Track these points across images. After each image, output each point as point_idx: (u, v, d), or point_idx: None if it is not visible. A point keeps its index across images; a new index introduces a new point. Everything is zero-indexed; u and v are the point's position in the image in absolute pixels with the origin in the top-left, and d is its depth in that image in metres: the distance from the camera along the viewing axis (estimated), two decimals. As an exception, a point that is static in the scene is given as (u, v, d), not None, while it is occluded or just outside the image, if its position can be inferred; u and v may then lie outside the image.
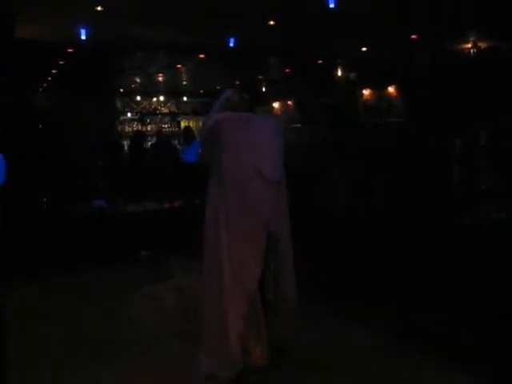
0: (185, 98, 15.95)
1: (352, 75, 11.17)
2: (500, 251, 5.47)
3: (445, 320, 4.96)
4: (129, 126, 15.56)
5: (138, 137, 12.94)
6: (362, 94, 10.93)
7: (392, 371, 4.08)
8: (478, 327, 4.72)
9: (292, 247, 4.29)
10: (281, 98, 13.22)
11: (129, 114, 15.57)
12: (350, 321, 5.07)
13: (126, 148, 13.47)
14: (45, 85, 11.53)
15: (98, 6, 6.71)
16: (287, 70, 11.54)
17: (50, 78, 10.97)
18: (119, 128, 14.93)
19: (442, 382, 3.92)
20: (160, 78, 12.31)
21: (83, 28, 7.47)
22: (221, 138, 4.02)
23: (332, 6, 6.54)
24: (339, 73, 11.08)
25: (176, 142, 15.31)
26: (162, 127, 15.68)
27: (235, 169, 4.01)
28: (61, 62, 9.54)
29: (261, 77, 12.36)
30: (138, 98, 15.44)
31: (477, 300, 5.11)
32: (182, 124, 16.10)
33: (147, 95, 15.44)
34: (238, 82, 11.40)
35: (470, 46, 8.60)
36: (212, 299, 4.16)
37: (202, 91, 15.05)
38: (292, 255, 4.28)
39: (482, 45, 8.57)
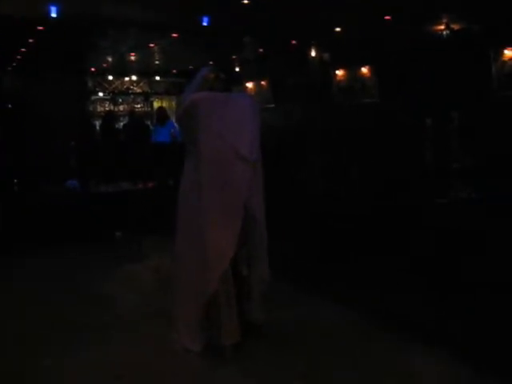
0: (157, 78, 15.78)
1: (326, 56, 11.16)
2: (470, 230, 5.57)
3: (420, 301, 5.03)
4: (100, 106, 15.36)
5: (110, 117, 12.81)
6: (336, 75, 10.95)
7: (366, 348, 4.16)
8: (455, 309, 4.81)
9: (266, 226, 4.33)
10: (254, 78, 13.17)
11: (100, 94, 15.35)
12: (325, 301, 5.14)
13: (97, 128, 13.35)
14: (14, 64, 11.30)
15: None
16: (261, 50, 11.48)
17: (19, 57, 10.74)
18: (91, 108, 14.74)
19: (415, 357, 4.00)
20: (132, 58, 12.13)
21: (53, 5, 7.31)
22: (197, 118, 4.02)
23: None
24: (313, 53, 11.06)
25: (149, 122, 15.18)
26: (135, 107, 15.52)
27: (212, 148, 4.02)
28: (30, 40, 9.35)
29: (234, 56, 12.28)
30: (110, 77, 15.21)
31: (454, 281, 5.20)
32: (155, 104, 15.96)
33: (119, 75, 15.22)
34: (211, 62, 11.31)
35: (442, 27, 8.65)
36: (183, 277, 4.19)
37: (174, 71, 14.91)
38: (266, 234, 4.32)
39: (455, 26, 8.63)
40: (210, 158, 4.04)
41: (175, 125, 11.05)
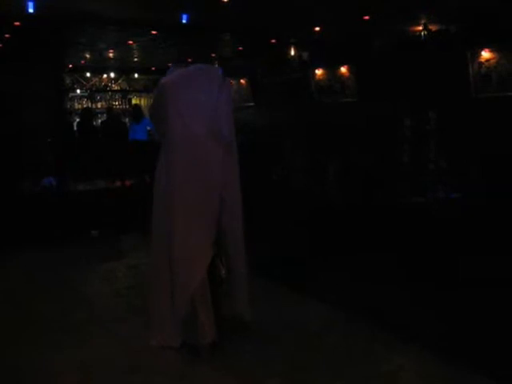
0: (136, 75, 15.71)
1: (305, 55, 11.20)
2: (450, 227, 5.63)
3: (410, 300, 5.04)
4: (78, 103, 15.26)
5: (87, 114, 12.68)
6: (315, 74, 10.99)
7: (354, 349, 4.16)
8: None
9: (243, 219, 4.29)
10: (233, 77, 13.16)
11: (78, 91, 15.24)
12: (314, 300, 5.13)
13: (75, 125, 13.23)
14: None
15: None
16: (240, 48, 11.47)
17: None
18: (68, 105, 14.61)
19: (403, 359, 4.01)
20: (111, 54, 12.05)
21: (31, 1, 7.23)
22: (166, 100, 4.01)
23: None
24: (292, 52, 11.09)
25: (127, 119, 15.11)
26: (113, 104, 15.43)
27: (181, 130, 3.99)
28: (6, 36, 9.24)
29: (213, 55, 12.25)
30: (88, 74, 15.11)
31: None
32: (133, 101, 15.88)
33: (97, 71, 15.11)
34: (190, 60, 11.28)
35: (420, 28, 8.72)
36: (160, 273, 4.16)
37: (153, 68, 14.84)
38: (242, 227, 4.28)
39: (433, 27, 8.71)
40: (178, 140, 3.99)
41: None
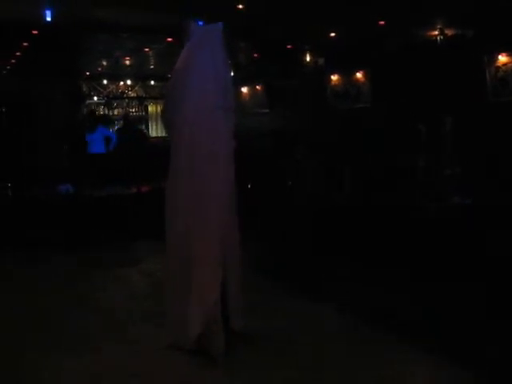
0: (152, 82, 15.80)
1: (320, 60, 11.18)
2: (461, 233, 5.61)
3: (419, 302, 5.02)
4: (95, 110, 15.36)
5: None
6: (331, 80, 10.97)
7: (362, 353, 4.13)
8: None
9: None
10: (249, 83, 13.17)
11: (95, 98, 15.36)
12: (318, 304, 5.12)
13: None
14: (8, 67, 11.28)
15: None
16: (255, 55, 11.49)
17: (13, 61, 10.74)
18: (85, 112, 14.71)
19: (410, 363, 3.98)
20: (127, 62, 12.15)
21: (48, 9, 7.31)
22: (181, 87, 4.33)
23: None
24: (308, 58, 11.08)
25: (143, 126, 15.24)
26: (130, 111, 15.52)
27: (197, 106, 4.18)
28: (25, 44, 9.34)
29: (229, 61, 12.28)
30: (105, 81, 15.22)
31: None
32: (150, 108, 15.97)
33: (114, 79, 15.23)
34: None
35: (436, 33, 8.69)
36: (175, 272, 4.17)
37: (169, 75, 14.90)
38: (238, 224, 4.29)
39: (449, 32, 8.67)
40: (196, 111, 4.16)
41: (109, 131, 10.88)
